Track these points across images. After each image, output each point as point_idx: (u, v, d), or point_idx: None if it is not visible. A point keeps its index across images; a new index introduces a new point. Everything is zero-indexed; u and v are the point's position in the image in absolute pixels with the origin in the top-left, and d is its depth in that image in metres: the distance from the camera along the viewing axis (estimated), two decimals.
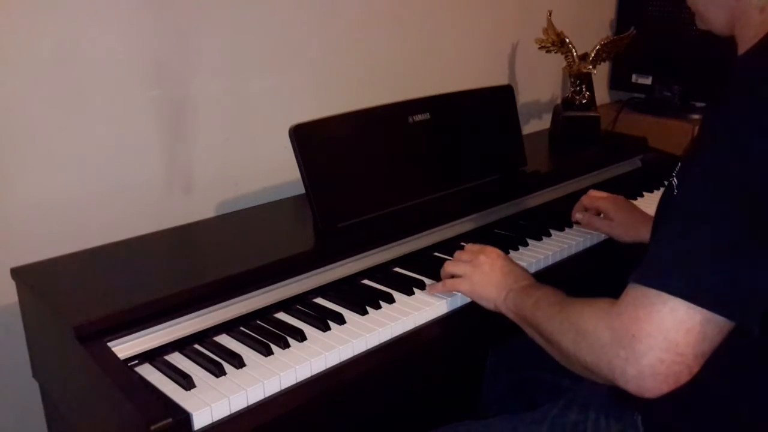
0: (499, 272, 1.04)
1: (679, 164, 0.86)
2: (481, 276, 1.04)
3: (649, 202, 1.54)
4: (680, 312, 0.69)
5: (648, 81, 2.11)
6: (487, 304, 1.04)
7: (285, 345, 0.98)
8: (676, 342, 0.69)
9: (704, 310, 0.68)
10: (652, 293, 0.70)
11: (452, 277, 1.09)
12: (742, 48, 0.82)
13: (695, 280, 0.69)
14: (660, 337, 0.69)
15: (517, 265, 1.07)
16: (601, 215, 1.35)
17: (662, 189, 0.94)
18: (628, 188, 1.63)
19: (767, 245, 0.68)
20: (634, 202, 1.58)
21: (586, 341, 0.77)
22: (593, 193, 1.36)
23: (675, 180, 0.84)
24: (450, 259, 1.14)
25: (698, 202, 0.71)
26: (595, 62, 1.80)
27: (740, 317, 0.69)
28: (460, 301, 1.11)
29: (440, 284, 1.11)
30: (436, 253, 1.28)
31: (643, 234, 1.18)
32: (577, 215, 1.35)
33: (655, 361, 0.70)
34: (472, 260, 1.07)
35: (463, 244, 1.19)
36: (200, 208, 1.42)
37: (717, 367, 0.74)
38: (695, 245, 0.70)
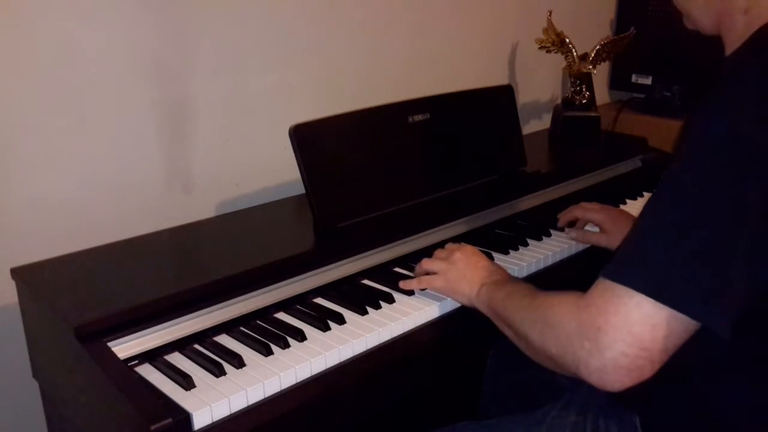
0: (473, 268, 1.05)
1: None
2: (456, 272, 1.06)
3: None
4: (646, 307, 0.69)
5: (648, 81, 2.11)
6: (462, 299, 1.06)
7: (285, 345, 0.98)
8: (640, 337, 0.70)
9: (669, 308, 0.69)
10: (620, 288, 0.71)
11: (428, 273, 1.11)
12: (729, 49, 0.82)
13: (661, 278, 0.69)
14: (625, 330, 0.70)
15: (492, 261, 1.09)
16: (588, 226, 1.35)
17: None
18: (628, 188, 1.63)
19: (738, 251, 0.68)
20: (634, 202, 1.59)
21: (553, 332, 0.78)
22: (584, 204, 1.35)
23: None
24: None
25: (671, 203, 0.71)
26: (595, 62, 1.80)
27: (704, 317, 0.69)
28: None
29: (415, 280, 1.12)
30: None
31: None
32: (572, 233, 1.32)
33: (618, 355, 0.70)
34: (447, 257, 1.09)
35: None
36: (200, 208, 1.42)
37: (715, 371, 0.74)
38: (664, 244, 0.70)
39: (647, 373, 0.71)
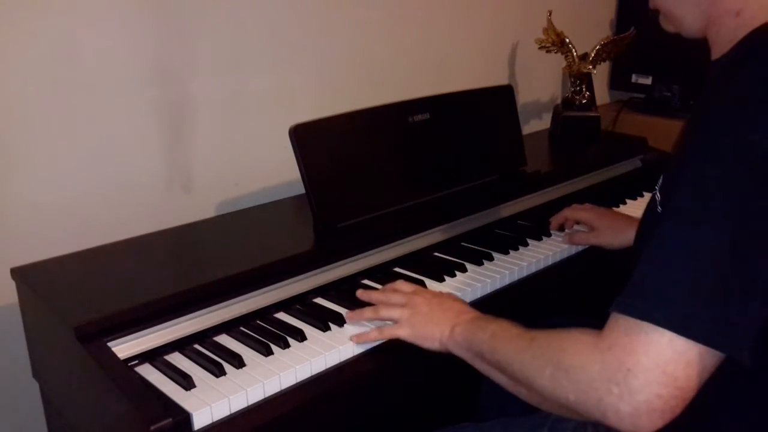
0: (438, 309, 0.98)
1: (662, 177, 0.84)
2: (420, 317, 0.98)
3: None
4: (678, 345, 0.65)
5: (648, 81, 2.11)
6: (432, 344, 0.96)
7: (285, 345, 0.98)
8: (675, 376, 0.65)
9: (700, 344, 0.66)
10: (647, 326, 0.66)
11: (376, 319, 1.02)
12: (716, 52, 0.81)
13: (689, 314, 0.66)
14: (658, 371, 0.65)
15: (456, 298, 1.02)
16: (580, 225, 1.36)
17: None
18: (628, 188, 1.63)
19: (758, 274, 0.66)
20: (634, 202, 1.59)
21: (569, 378, 0.72)
22: (574, 206, 1.36)
23: (658, 195, 0.82)
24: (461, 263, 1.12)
25: (685, 227, 0.68)
26: (595, 62, 1.80)
27: (733, 350, 0.67)
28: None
29: (374, 332, 1.00)
30: (436, 253, 1.28)
31: (632, 236, 1.16)
32: (565, 238, 1.32)
33: (652, 397, 0.66)
34: (407, 302, 1.00)
35: (398, 272, 1.19)
36: (200, 208, 1.42)
37: (717, 377, 0.73)
38: (686, 276, 0.67)
39: (679, 411, 0.67)
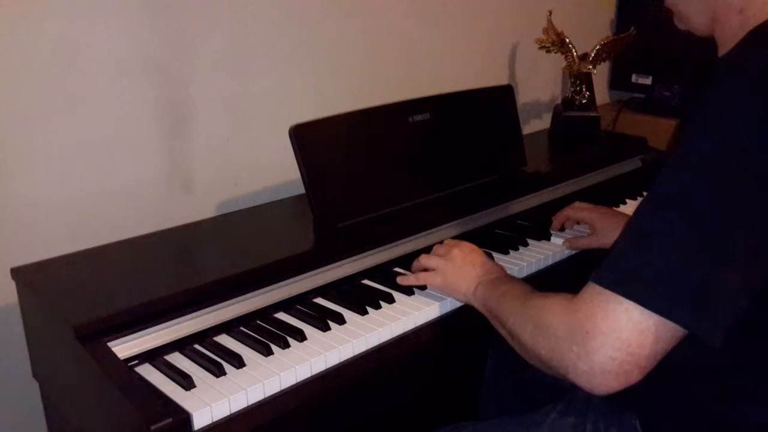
0: (470, 265, 1.05)
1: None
2: (454, 270, 1.06)
3: None
4: (634, 313, 0.70)
5: (648, 81, 2.11)
6: (459, 297, 1.06)
7: (285, 345, 0.98)
8: (628, 342, 0.70)
9: (657, 315, 0.69)
10: (608, 294, 0.72)
11: (426, 270, 1.11)
12: (722, 49, 0.82)
13: (649, 286, 0.69)
14: (613, 335, 0.70)
15: (490, 259, 1.09)
16: (581, 225, 1.36)
17: None
18: (628, 188, 1.63)
19: (733, 258, 0.68)
20: (634, 202, 1.59)
21: (543, 335, 0.79)
22: (576, 204, 1.37)
23: None
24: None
25: (662, 210, 0.71)
26: (595, 62, 1.80)
27: (691, 325, 0.69)
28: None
29: (412, 276, 1.12)
30: None
31: None
32: (566, 244, 1.33)
33: (606, 359, 0.71)
34: (445, 254, 1.09)
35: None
36: (200, 208, 1.42)
37: (715, 373, 0.73)
38: (653, 252, 0.70)
39: (635, 377, 0.71)
